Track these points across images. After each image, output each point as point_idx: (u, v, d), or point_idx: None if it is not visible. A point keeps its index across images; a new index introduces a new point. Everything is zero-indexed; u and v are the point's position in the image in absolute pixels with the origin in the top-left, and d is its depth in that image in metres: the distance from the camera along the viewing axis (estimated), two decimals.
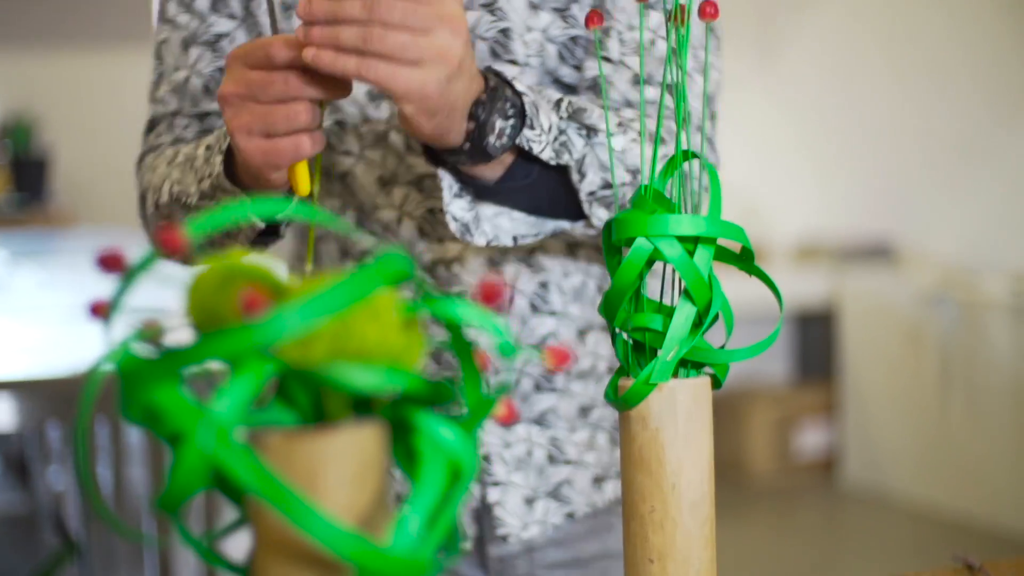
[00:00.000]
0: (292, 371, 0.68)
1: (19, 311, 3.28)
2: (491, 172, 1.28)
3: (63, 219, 7.49)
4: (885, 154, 6.17)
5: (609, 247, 1.09)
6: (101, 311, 0.73)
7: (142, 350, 0.70)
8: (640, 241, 1.03)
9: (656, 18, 1.43)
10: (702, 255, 1.03)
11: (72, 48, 9.10)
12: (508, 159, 1.28)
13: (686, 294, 1.04)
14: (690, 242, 1.04)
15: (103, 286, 0.71)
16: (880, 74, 6.13)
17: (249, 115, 1.17)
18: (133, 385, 0.69)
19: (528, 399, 1.53)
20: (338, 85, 1.16)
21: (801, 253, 6.23)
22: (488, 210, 1.31)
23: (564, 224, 1.35)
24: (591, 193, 1.32)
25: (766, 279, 1.07)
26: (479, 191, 1.30)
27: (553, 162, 1.29)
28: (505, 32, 1.45)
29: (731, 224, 1.02)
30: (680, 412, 1.04)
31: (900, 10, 6.06)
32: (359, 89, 1.48)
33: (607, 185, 1.32)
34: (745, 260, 1.08)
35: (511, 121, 1.24)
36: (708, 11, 1.07)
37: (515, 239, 1.33)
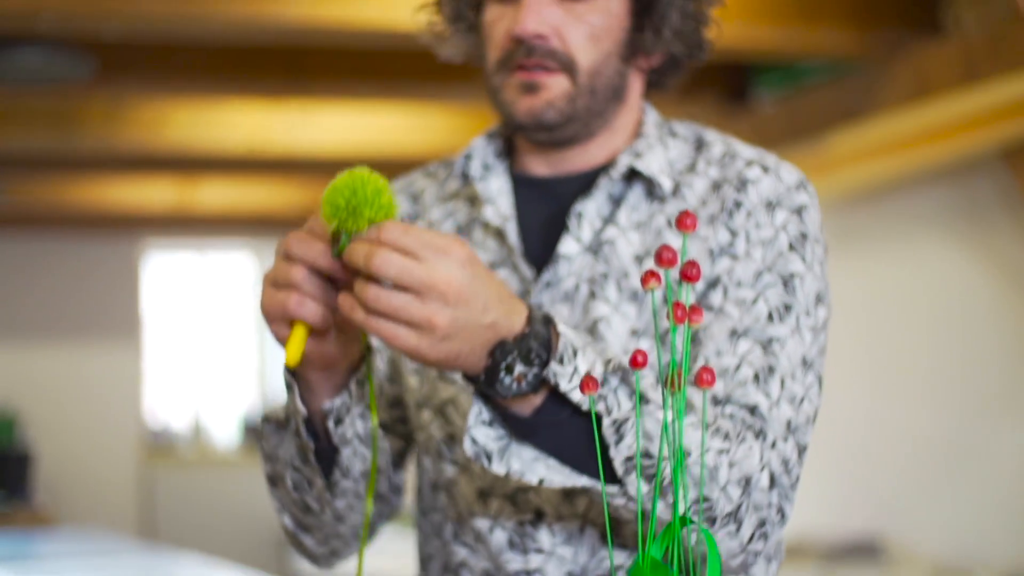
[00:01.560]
0: None
1: None
2: (518, 407, 1.37)
3: (44, 519, 7.41)
4: (872, 452, 6.16)
5: None
6: None
7: None
8: None
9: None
10: None
11: (57, 344, 9.15)
12: (537, 399, 1.36)
13: None
14: None
15: None
16: (865, 373, 6.17)
17: (272, 269, 1.37)
18: None
19: None
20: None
21: (788, 552, 6.17)
22: (527, 453, 1.38)
23: (596, 483, 1.39)
24: (628, 459, 1.36)
25: None
26: (517, 425, 1.38)
27: (584, 407, 1.35)
28: (603, 276, 1.57)
29: None
30: None
31: (883, 312, 6.14)
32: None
33: (648, 455, 1.36)
34: None
35: (534, 369, 1.33)
36: (705, 378, 1.08)
37: (541, 481, 1.38)
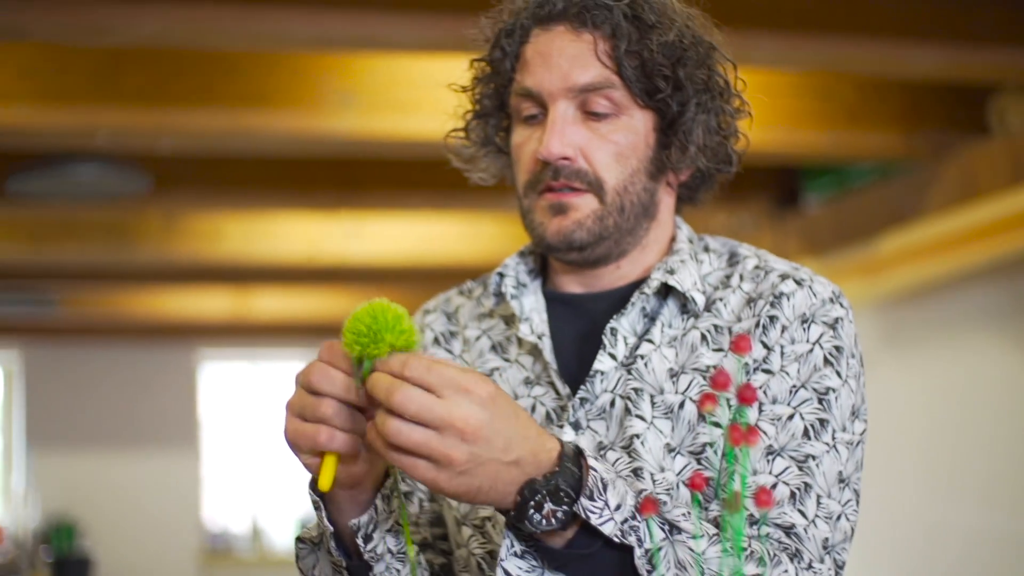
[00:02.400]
0: None
1: None
2: (550, 539, 1.37)
3: None
4: (925, 550, 6.10)
5: None
6: None
7: None
8: None
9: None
10: None
11: (116, 451, 9.21)
12: (568, 532, 1.36)
13: None
14: None
15: None
16: (917, 471, 6.13)
17: (296, 398, 1.38)
18: None
19: None
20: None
21: None
22: None
23: None
24: None
25: None
26: (549, 556, 1.38)
27: (617, 540, 1.35)
28: (637, 391, 1.57)
29: None
30: None
31: (933, 410, 6.10)
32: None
33: None
34: None
35: (563, 507, 1.34)
36: (763, 499, 1.09)
37: None
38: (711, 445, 1.54)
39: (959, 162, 4.97)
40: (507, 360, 1.70)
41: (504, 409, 1.33)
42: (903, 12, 4.05)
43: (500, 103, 1.71)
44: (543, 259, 1.75)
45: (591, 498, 1.35)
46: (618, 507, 1.36)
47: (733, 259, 1.68)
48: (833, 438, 1.53)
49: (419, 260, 6.46)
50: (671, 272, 1.64)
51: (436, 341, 1.77)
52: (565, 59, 1.61)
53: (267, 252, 6.31)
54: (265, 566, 9.43)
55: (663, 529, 1.39)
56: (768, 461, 1.52)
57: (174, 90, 4.30)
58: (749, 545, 1.43)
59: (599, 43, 1.60)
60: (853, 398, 1.58)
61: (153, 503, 9.23)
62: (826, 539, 1.50)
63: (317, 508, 1.48)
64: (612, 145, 1.61)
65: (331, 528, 1.47)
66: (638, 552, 1.37)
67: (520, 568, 1.39)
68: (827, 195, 5.81)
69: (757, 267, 1.65)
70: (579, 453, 1.39)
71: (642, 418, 1.57)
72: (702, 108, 1.62)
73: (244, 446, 9.70)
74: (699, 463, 1.54)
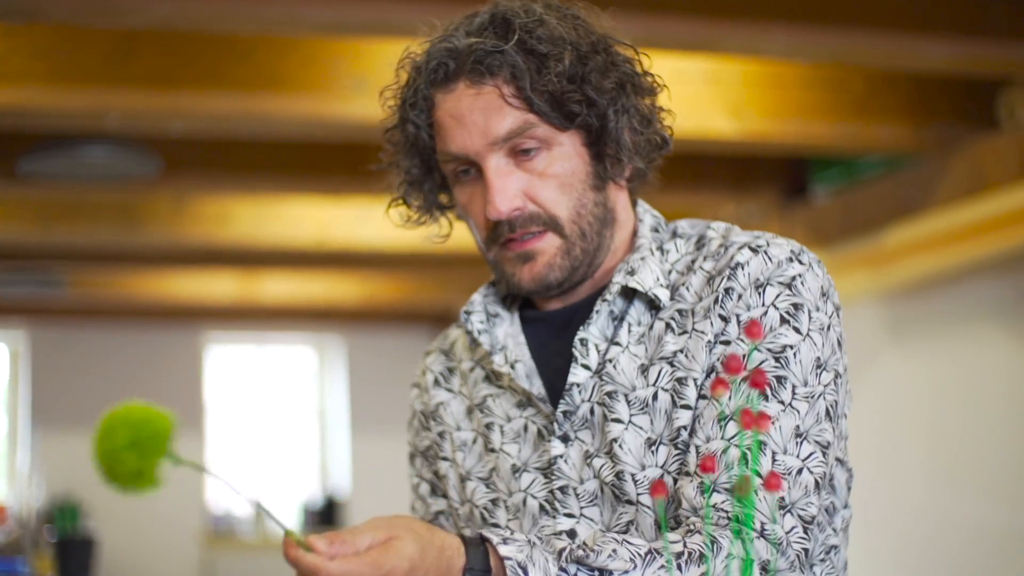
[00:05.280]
0: None
1: None
2: None
3: None
4: (929, 542, 6.11)
5: None
6: None
7: None
8: None
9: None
10: None
11: None
12: None
13: None
14: None
15: None
16: (921, 463, 6.14)
17: None
18: None
19: None
20: None
21: None
22: None
23: None
24: None
25: None
26: None
27: None
28: (611, 395, 1.60)
29: None
30: None
31: (938, 403, 6.11)
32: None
33: None
34: None
35: None
36: (772, 483, 1.10)
37: None
38: (685, 428, 1.55)
39: (967, 155, 4.98)
40: (500, 388, 1.72)
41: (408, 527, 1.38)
42: (913, 5, 4.06)
43: (428, 168, 1.71)
44: None
45: None
46: None
47: (700, 241, 1.68)
48: (793, 394, 1.53)
49: (427, 246, 6.47)
50: (632, 273, 1.65)
51: (436, 382, 1.81)
52: (478, 114, 1.61)
53: (276, 236, 6.32)
54: (267, 549, 9.44)
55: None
56: (721, 427, 1.52)
57: (186, 73, 4.31)
58: (686, 538, 1.44)
59: (504, 88, 1.61)
60: (817, 351, 1.57)
61: (152, 495, 9.25)
62: (781, 498, 1.49)
63: None
64: (552, 179, 1.62)
65: None
66: None
67: None
68: (835, 187, 5.82)
69: (720, 244, 1.65)
70: (486, 553, 1.41)
71: (619, 420, 1.59)
72: (621, 110, 1.63)
73: (248, 429, 9.72)
74: (676, 447, 1.55)
